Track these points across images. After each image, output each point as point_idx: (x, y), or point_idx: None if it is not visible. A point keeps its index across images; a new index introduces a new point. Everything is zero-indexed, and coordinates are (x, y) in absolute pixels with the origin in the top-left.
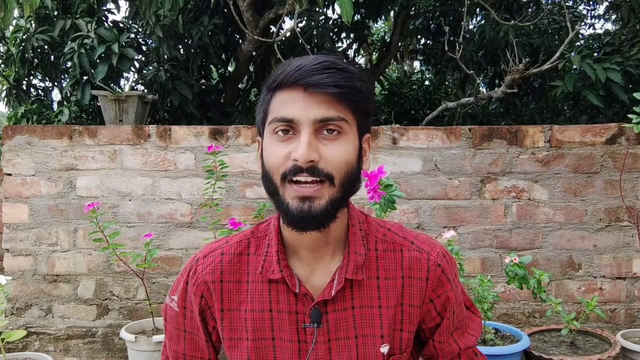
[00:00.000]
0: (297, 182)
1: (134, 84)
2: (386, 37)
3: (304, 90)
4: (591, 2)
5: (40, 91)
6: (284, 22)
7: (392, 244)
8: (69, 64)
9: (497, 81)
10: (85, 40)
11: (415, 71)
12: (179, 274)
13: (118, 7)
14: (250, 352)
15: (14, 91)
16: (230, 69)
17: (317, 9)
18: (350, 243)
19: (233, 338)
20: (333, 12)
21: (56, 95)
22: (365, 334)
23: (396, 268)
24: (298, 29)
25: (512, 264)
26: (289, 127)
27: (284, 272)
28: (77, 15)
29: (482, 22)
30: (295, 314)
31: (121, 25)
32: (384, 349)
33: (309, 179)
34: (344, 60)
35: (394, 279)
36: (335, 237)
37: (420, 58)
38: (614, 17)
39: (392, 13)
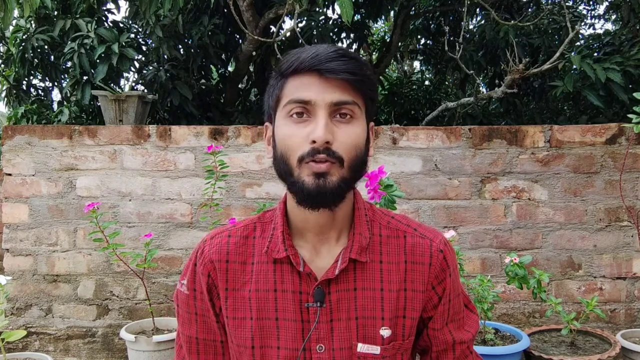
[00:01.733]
0: (313, 161)
1: (134, 84)
2: (386, 37)
3: (320, 76)
4: (591, 2)
5: (40, 91)
6: (284, 22)
7: (395, 230)
8: (69, 64)
9: (497, 81)
10: (85, 40)
11: (415, 71)
12: (187, 260)
13: (118, 7)
14: (254, 331)
15: (14, 91)
16: (230, 69)
17: (317, 9)
18: (355, 225)
19: (237, 317)
20: (333, 12)
21: (56, 95)
22: (366, 316)
23: (399, 253)
24: (298, 29)
25: (512, 264)
26: (305, 109)
27: (289, 251)
28: (77, 15)
29: (482, 22)
30: (299, 293)
31: (121, 25)
32: (384, 332)
33: (325, 159)
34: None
35: (397, 264)
36: (341, 221)
37: (420, 58)
38: (614, 17)
39: (392, 13)
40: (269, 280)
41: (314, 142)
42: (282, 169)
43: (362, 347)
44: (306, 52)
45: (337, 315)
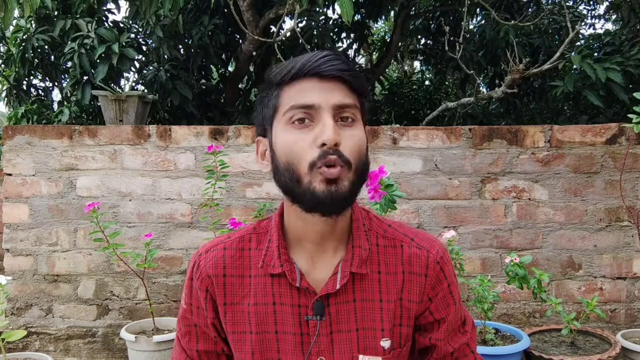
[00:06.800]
0: (325, 166)
1: (134, 84)
2: (386, 37)
3: (320, 79)
4: (591, 2)
5: (40, 91)
6: (284, 22)
7: (392, 240)
8: (69, 64)
9: (497, 81)
10: (86, 40)
11: (415, 71)
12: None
13: (118, 7)
14: (254, 345)
15: (14, 91)
16: (230, 69)
17: (317, 9)
18: (354, 237)
19: (236, 332)
20: (333, 12)
21: (56, 95)
22: (366, 327)
23: (397, 263)
24: (298, 29)
25: (512, 264)
26: (307, 114)
27: (285, 266)
28: (77, 15)
29: (482, 22)
30: (297, 307)
31: (121, 25)
32: (385, 343)
33: (337, 162)
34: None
35: (394, 274)
36: (340, 230)
37: (420, 58)
38: (614, 17)
39: (392, 13)
40: (267, 293)
41: (323, 144)
42: (289, 178)
43: (363, 359)
44: (299, 60)
45: (337, 327)
